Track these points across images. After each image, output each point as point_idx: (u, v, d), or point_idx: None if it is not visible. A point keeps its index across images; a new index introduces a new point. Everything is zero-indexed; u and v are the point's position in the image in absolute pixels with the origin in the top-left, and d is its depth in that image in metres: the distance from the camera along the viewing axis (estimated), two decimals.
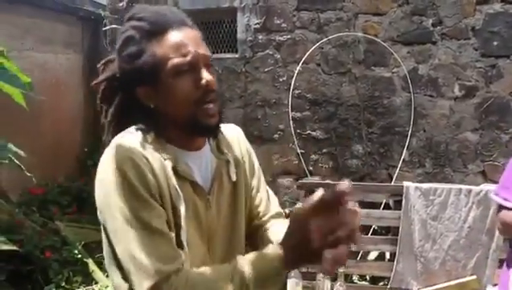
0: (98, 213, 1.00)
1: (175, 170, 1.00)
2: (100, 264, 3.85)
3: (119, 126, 1.05)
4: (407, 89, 3.10)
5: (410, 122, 3.10)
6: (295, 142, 3.23)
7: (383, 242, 2.93)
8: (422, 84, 3.10)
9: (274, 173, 3.36)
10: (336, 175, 3.24)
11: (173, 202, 0.98)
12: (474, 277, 2.63)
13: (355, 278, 3.16)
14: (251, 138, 3.47)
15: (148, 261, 0.91)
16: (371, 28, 3.14)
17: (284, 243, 0.88)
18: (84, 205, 4.86)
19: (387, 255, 3.04)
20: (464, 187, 2.80)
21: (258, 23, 3.35)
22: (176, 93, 0.98)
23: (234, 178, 1.11)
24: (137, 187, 0.93)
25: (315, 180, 3.18)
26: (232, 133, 1.18)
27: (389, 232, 2.97)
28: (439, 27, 3.05)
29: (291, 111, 3.24)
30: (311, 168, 3.27)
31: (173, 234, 0.97)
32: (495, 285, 2.59)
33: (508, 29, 2.95)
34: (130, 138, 0.99)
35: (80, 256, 3.83)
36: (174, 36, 0.98)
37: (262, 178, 1.24)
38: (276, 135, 3.35)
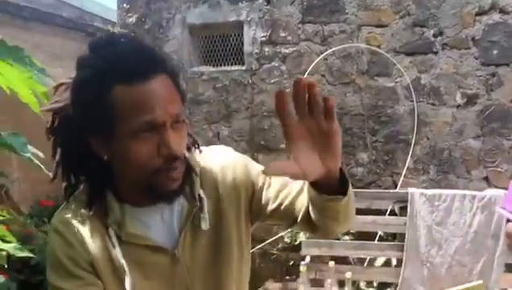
0: None
1: (120, 238, 0.91)
2: None
3: (68, 169, 0.94)
4: (410, 98, 3.17)
5: (413, 130, 3.16)
6: None
7: (389, 248, 2.97)
8: (424, 93, 3.17)
9: None
10: None
11: (116, 270, 0.92)
12: (480, 282, 2.66)
13: (362, 284, 3.18)
14: (258, 147, 3.55)
15: None
16: (374, 39, 3.23)
17: None
18: None
19: (394, 261, 3.07)
20: (468, 192, 2.84)
21: (263, 36, 3.45)
22: (132, 158, 0.83)
23: (205, 227, 0.95)
24: (60, 257, 0.89)
25: None
26: (215, 165, 1.00)
27: (395, 238, 3.02)
28: (440, 38, 3.13)
29: None
30: None
31: None
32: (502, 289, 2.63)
33: (507, 38, 3.03)
34: (65, 208, 0.95)
35: None
36: (139, 91, 0.81)
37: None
38: (282, 145, 3.41)
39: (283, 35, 3.38)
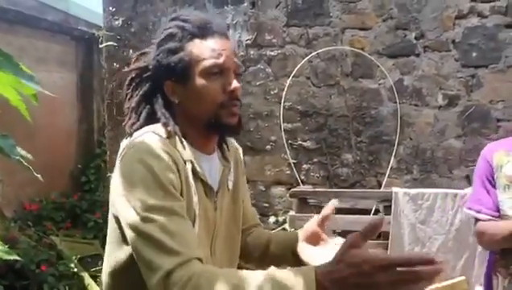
0: (112, 204, 1.03)
1: (193, 171, 1.06)
2: (95, 278, 3.88)
3: (140, 114, 1.12)
4: (393, 100, 3.23)
5: (396, 130, 3.22)
6: (287, 153, 3.34)
7: (374, 246, 3.01)
8: (407, 95, 3.23)
9: (267, 183, 3.45)
10: (327, 183, 3.34)
11: (191, 200, 1.03)
12: (463, 278, 2.72)
13: None
14: (244, 149, 3.56)
15: (173, 243, 0.91)
16: (357, 42, 3.29)
17: (328, 274, 0.81)
18: (77, 220, 4.91)
19: None
20: (450, 191, 2.91)
21: (249, 39, 3.48)
22: (204, 92, 1.05)
23: (230, 186, 1.18)
24: (162, 179, 0.96)
25: (308, 188, 3.28)
26: (234, 146, 1.28)
27: (379, 237, 3.06)
28: (421, 40, 3.20)
29: (283, 123, 3.35)
30: (303, 177, 3.37)
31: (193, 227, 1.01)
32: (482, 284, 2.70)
33: (486, 41, 3.11)
34: (152, 137, 1.03)
35: (75, 270, 3.85)
36: (212, 42, 1.06)
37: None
38: (268, 146, 3.45)
39: (268, 38, 3.42)
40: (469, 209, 1.66)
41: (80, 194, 5.18)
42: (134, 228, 0.94)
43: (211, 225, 1.11)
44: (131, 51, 3.57)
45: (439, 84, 3.19)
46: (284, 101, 3.34)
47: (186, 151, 1.06)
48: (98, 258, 4.14)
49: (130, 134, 1.09)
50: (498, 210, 1.57)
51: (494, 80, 3.12)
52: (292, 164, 3.33)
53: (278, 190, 3.38)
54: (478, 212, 1.61)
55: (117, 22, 3.60)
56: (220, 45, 1.07)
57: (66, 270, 3.84)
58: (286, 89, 3.34)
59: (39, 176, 1.20)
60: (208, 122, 1.07)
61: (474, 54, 3.14)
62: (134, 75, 1.14)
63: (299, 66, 3.31)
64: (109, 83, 3.66)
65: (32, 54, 4.68)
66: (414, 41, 3.21)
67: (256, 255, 1.28)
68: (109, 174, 3.70)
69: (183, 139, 1.06)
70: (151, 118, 1.10)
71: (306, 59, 3.31)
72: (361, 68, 3.29)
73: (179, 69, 1.06)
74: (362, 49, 3.27)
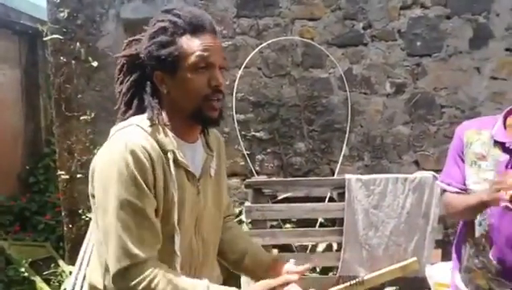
0: (94, 194, 1.13)
1: (175, 160, 1.13)
2: (48, 281, 3.74)
3: (130, 99, 1.20)
4: (343, 88, 3.30)
5: (347, 118, 3.29)
6: (241, 144, 3.33)
7: (330, 233, 3.08)
8: (356, 83, 3.31)
9: None
10: (281, 173, 3.37)
11: (168, 188, 1.12)
12: (414, 259, 2.76)
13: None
14: None
15: (131, 243, 1.04)
16: (307, 32, 3.32)
17: None
18: (27, 223, 4.72)
19: (335, 246, 3.18)
20: (400, 176, 3.01)
21: None
22: (190, 86, 1.13)
23: (213, 173, 1.26)
24: (137, 177, 1.05)
25: (262, 178, 3.29)
26: (216, 135, 1.36)
27: (335, 224, 3.12)
28: (369, 30, 3.28)
29: (235, 114, 3.34)
30: (257, 168, 3.38)
31: (159, 224, 1.10)
32: (433, 264, 2.80)
33: (429, 31, 3.23)
34: (134, 131, 1.12)
35: (26, 274, 3.71)
36: (202, 39, 1.13)
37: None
38: (222, 138, 3.43)
39: (219, 29, 3.37)
40: (441, 181, 1.77)
41: (28, 196, 4.97)
42: (102, 216, 1.07)
43: (194, 208, 1.19)
44: (78, 44, 3.45)
45: (387, 73, 3.28)
46: (236, 92, 3.34)
47: (169, 140, 1.13)
48: (50, 260, 4.00)
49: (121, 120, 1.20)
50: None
51: (437, 68, 3.25)
52: (246, 155, 3.34)
53: (233, 181, 3.37)
54: (448, 185, 1.71)
55: (62, 15, 3.46)
56: (209, 41, 1.14)
57: (16, 275, 3.69)
58: (237, 80, 3.33)
59: None
60: (192, 113, 1.14)
61: (418, 43, 3.25)
62: (124, 61, 1.21)
63: (249, 57, 3.31)
64: (56, 77, 3.52)
65: None
66: (362, 31, 3.29)
67: (231, 259, 1.40)
68: (59, 172, 3.57)
69: (166, 129, 1.14)
70: (142, 106, 1.17)
71: (257, 50, 3.32)
72: (311, 58, 3.33)
73: (169, 62, 1.12)
74: (312, 39, 3.31)
